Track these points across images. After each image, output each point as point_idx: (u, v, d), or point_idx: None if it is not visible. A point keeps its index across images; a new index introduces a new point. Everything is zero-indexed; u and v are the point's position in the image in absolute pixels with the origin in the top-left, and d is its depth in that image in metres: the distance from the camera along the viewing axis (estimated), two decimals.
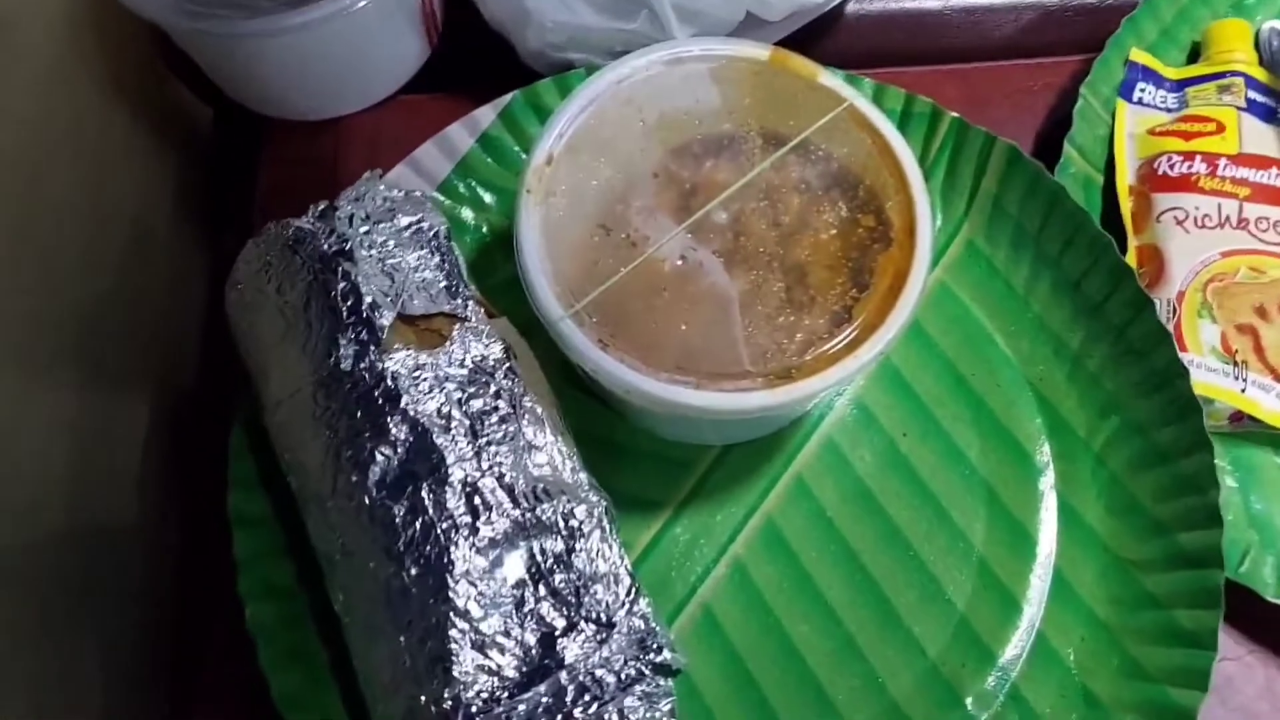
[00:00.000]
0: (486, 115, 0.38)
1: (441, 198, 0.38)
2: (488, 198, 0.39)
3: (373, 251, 0.32)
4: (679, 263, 0.30)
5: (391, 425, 0.29)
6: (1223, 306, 0.36)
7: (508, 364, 0.31)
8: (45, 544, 0.30)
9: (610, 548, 0.29)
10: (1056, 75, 0.44)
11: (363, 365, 0.30)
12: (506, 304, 0.33)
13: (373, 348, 0.30)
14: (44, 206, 0.32)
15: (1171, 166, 0.39)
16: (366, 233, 0.32)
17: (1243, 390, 0.35)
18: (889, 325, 0.29)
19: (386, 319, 0.31)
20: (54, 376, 0.32)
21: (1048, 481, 0.35)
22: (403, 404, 0.30)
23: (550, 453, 0.31)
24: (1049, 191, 0.37)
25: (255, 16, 0.35)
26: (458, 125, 0.38)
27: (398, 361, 0.30)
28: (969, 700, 0.32)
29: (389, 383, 0.30)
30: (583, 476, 0.31)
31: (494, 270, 0.38)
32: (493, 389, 0.31)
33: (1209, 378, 0.35)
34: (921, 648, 0.33)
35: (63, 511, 0.31)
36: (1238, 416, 0.35)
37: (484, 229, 0.39)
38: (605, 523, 0.30)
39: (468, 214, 0.39)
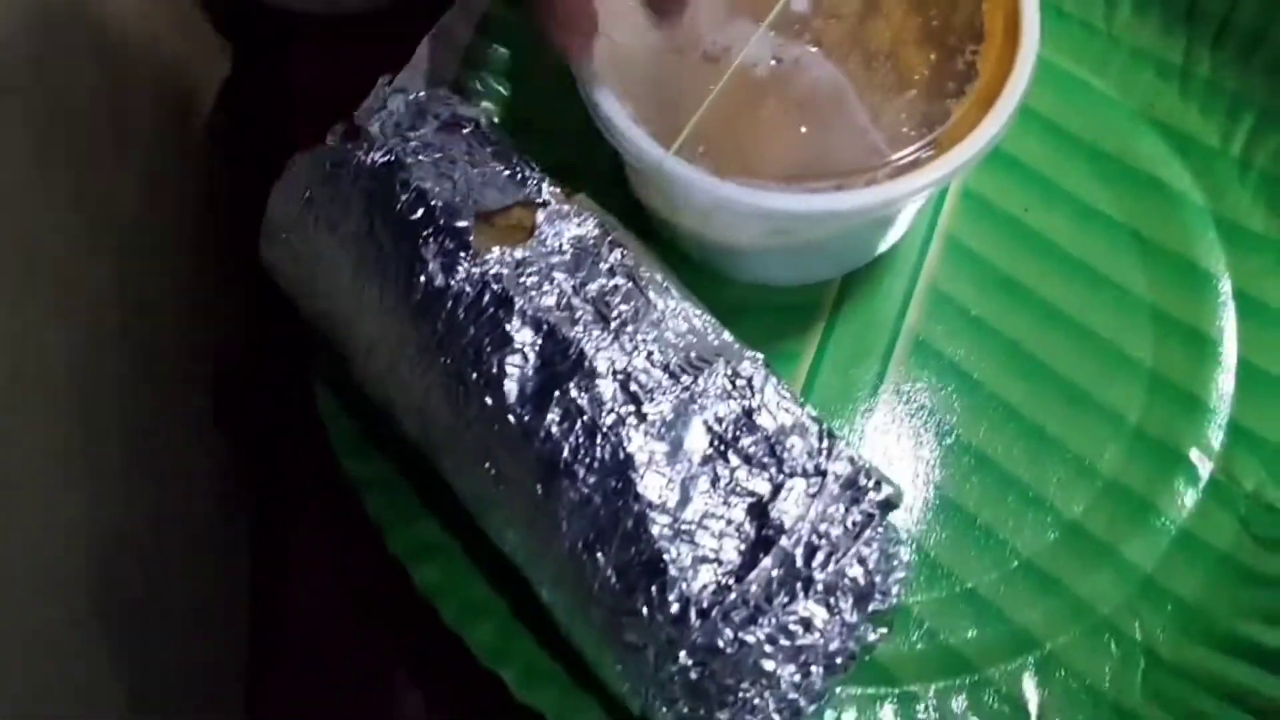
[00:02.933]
0: None
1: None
2: (504, 89, 0.35)
3: (420, 157, 0.28)
4: (773, 64, 0.27)
5: (513, 332, 0.26)
6: None
7: (609, 237, 0.28)
8: (95, 557, 0.26)
9: (787, 397, 0.26)
10: None
11: (458, 277, 0.26)
12: None
13: (462, 254, 0.26)
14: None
15: None
16: (404, 139, 0.28)
17: None
18: (1020, 65, 0.26)
19: (467, 219, 0.27)
20: (94, 358, 0.27)
21: (1196, 204, 0.32)
22: (518, 306, 0.26)
23: (687, 317, 0.27)
24: None
25: None
26: (453, 13, 0.33)
27: (495, 263, 0.26)
28: (1192, 452, 0.30)
29: (495, 288, 0.26)
30: (728, 336, 0.28)
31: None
32: (604, 266, 0.27)
33: None
34: (1120, 416, 0.30)
35: (111, 525, 0.27)
36: None
37: (510, 124, 0.35)
38: (773, 375, 0.26)
39: (489, 109, 0.34)
